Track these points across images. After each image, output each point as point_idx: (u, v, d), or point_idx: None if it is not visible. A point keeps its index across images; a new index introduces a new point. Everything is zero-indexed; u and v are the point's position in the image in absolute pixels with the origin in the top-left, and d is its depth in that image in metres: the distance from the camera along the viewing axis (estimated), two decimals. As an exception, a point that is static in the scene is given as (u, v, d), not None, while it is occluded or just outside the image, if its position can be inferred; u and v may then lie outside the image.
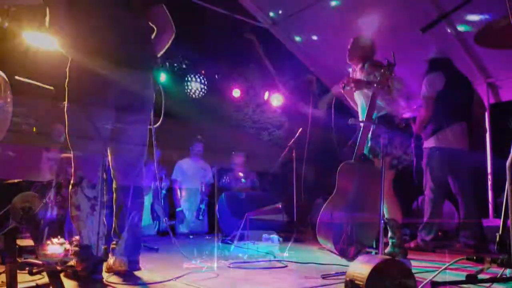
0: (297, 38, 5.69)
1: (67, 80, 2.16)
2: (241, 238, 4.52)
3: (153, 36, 2.38)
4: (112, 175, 2.37)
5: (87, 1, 2.18)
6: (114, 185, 2.36)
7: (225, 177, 5.92)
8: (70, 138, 2.19)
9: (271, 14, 5.38)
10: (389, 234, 3.16)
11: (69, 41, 2.14)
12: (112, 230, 2.32)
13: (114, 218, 2.33)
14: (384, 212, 3.06)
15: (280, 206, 5.38)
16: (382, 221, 2.58)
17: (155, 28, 2.39)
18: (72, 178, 2.17)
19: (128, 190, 2.31)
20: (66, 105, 2.16)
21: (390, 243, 3.16)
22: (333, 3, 4.82)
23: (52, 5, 2.12)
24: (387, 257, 1.77)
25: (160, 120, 2.38)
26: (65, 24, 2.13)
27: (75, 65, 2.13)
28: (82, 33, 2.14)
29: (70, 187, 2.16)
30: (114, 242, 2.29)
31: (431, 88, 3.79)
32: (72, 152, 2.19)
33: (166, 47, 2.45)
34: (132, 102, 2.24)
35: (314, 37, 5.55)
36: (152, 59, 2.33)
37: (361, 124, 3.14)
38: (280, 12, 5.30)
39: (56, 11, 2.12)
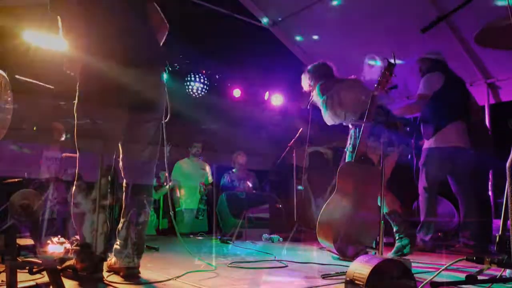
0: (298, 38, 5.70)
1: (78, 83, 2.16)
2: (241, 238, 4.53)
3: None
4: (123, 175, 2.36)
5: (96, 7, 2.19)
6: (124, 184, 2.35)
7: (225, 177, 5.92)
8: (77, 137, 2.19)
9: (272, 14, 5.38)
10: (394, 228, 3.14)
11: (81, 45, 2.15)
12: (117, 229, 2.31)
13: (121, 217, 2.32)
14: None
15: (280, 206, 5.39)
16: (383, 220, 2.57)
17: None
18: (76, 177, 2.17)
19: (139, 188, 2.31)
20: (76, 103, 2.16)
21: (396, 238, 3.14)
22: (334, 3, 4.81)
23: (63, 12, 2.14)
24: (387, 257, 1.78)
25: (168, 116, 2.39)
26: (76, 29, 2.15)
27: (87, 68, 2.13)
28: (93, 36, 2.15)
29: (74, 186, 2.16)
30: (117, 242, 2.28)
31: (428, 87, 3.81)
32: (78, 152, 2.19)
33: (161, 44, 2.48)
34: (144, 102, 2.24)
35: (315, 37, 5.56)
36: (161, 59, 2.36)
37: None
38: (280, 12, 5.30)
39: (67, 18, 2.15)
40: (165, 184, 5.30)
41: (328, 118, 3.35)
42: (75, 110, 2.17)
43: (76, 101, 2.16)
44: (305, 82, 3.57)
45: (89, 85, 2.13)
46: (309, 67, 3.58)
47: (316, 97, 3.42)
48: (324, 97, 3.30)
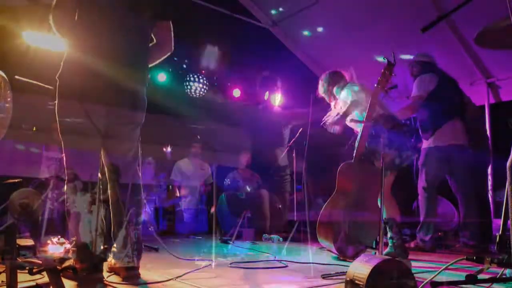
0: (297, 38, 5.69)
1: (59, 73, 2.15)
2: (241, 238, 4.53)
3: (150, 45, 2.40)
4: (107, 176, 2.35)
5: (94, 5, 2.19)
6: (109, 186, 2.34)
7: (229, 178, 5.90)
8: (62, 134, 2.19)
9: (272, 14, 5.38)
10: (388, 234, 3.15)
11: (73, 40, 2.16)
12: (111, 232, 2.30)
13: (112, 219, 2.31)
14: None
15: (280, 206, 5.38)
16: (382, 221, 2.57)
17: (154, 40, 2.40)
18: (66, 176, 2.16)
19: (125, 188, 2.30)
20: (56, 102, 2.15)
21: (389, 244, 3.15)
22: (334, 3, 4.81)
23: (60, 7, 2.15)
24: (387, 257, 1.77)
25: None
26: (70, 23, 2.15)
27: (71, 60, 2.14)
28: (86, 33, 2.16)
29: (65, 185, 2.16)
30: (114, 245, 2.27)
31: (422, 88, 3.81)
32: (64, 149, 2.19)
33: (159, 61, 2.48)
34: (126, 102, 2.23)
35: (315, 37, 5.55)
36: (145, 65, 2.36)
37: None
38: (280, 12, 5.30)
39: (64, 12, 2.15)
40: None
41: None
42: (56, 109, 2.16)
43: (56, 101, 2.16)
44: (322, 89, 3.59)
45: (68, 83, 2.13)
46: (324, 76, 3.60)
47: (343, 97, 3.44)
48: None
